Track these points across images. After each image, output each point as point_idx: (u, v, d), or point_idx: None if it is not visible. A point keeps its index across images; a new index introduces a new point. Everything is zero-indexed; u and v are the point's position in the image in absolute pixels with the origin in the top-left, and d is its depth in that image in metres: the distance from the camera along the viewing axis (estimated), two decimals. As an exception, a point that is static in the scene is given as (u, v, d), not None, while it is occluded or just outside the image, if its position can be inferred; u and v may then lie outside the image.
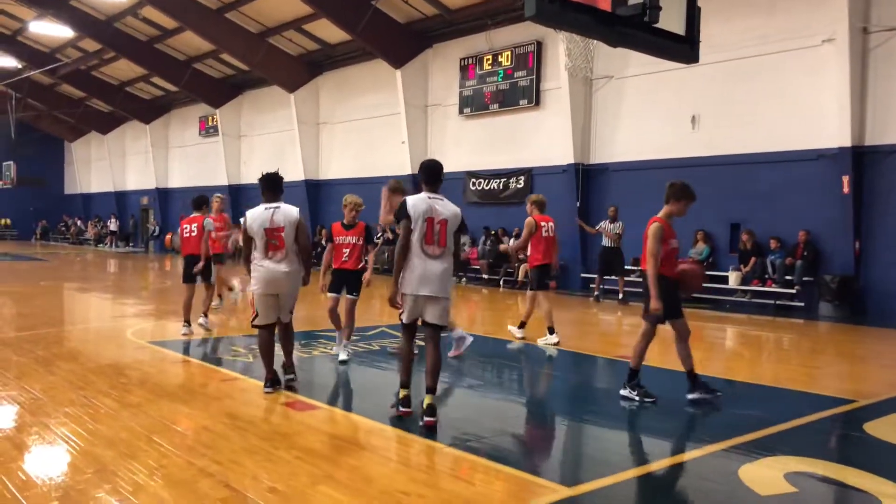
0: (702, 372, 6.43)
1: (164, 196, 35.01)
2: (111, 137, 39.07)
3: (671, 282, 6.10)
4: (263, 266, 6.10)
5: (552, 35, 16.92)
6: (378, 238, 8.56)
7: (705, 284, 11.42)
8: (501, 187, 19.25)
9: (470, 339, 7.99)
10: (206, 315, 9.80)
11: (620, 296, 14.48)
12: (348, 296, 7.47)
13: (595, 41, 14.57)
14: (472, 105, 19.83)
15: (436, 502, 3.86)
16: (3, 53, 31.11)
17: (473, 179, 20.02)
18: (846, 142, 12.90)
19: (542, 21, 4.76)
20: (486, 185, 19.71)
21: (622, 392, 6.27)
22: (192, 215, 9.66)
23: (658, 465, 4.76)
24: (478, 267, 19.02)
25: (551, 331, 9.03)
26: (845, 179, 12.97)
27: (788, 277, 13.55)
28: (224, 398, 6.10)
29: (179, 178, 34.17)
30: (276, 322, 6.31)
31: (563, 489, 4.11)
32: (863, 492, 4.27)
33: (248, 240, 6.18)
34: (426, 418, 5.16)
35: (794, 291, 13.52)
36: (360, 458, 4.64)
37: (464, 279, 18.98)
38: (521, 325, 9.48)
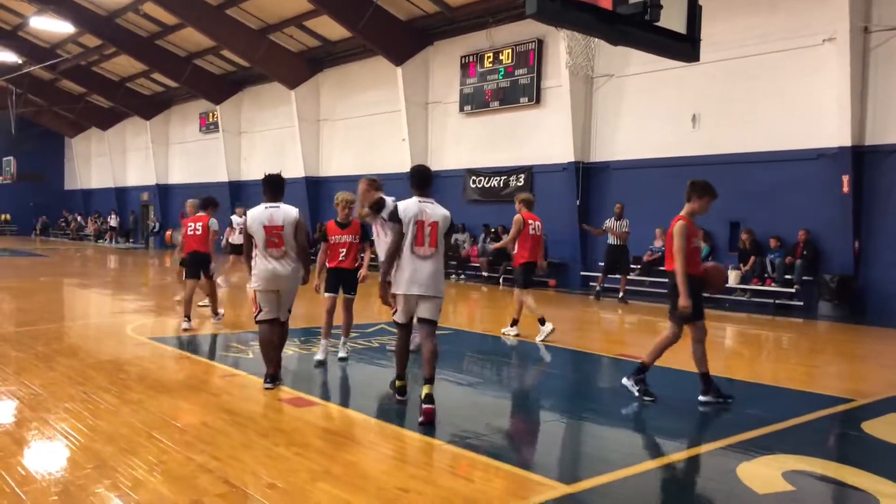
0: (701, 371, 6.44)
1: (164, 192, 34.97)
2: (111, 133, 39.04)
3: (696, 280, 5.99)
4: (263, 263, 6.22)
5: (553, 33, 16.92)
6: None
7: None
8: (501, 185, 19.23)
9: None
10: (216, 314, 10.06)
11: (621, 294, 14.47)
12: (346, 294, 7.47)
13: (596, 39, 14.59)
14: (473, 103, 19.82)
15: (434, 499, 3.87)
16: (3, 49, 31.04)
17: (474, 177, 20.00)
18: (846, 141, 12.91)
19: (543, 19, 4.76)
20: (487, 183, 19.69)
21: (624, 381, 6.25)
22: (196, 214, 10.03)
23: (656, 462, 4.77)
24: (477, 265, 19.03)
25: (542, 321, 9.16)
26: (845, 179, 12.97)
27: (788, 277, 13.54)
28: (223, 394, 6.12)
29: (180, 174, 34.14)
30: (277, 319, 6.38)
31: (562, 486, 4.12)
32: (861, 490, 4.28)
33: (249, 238, 6.32)
34: (424, 406, 5.20)
35: (793, 291, 13.52)
36: (360, 454, 4.65)
37: (462, 276, 19.01)
38: (514, 324, 9.60)
